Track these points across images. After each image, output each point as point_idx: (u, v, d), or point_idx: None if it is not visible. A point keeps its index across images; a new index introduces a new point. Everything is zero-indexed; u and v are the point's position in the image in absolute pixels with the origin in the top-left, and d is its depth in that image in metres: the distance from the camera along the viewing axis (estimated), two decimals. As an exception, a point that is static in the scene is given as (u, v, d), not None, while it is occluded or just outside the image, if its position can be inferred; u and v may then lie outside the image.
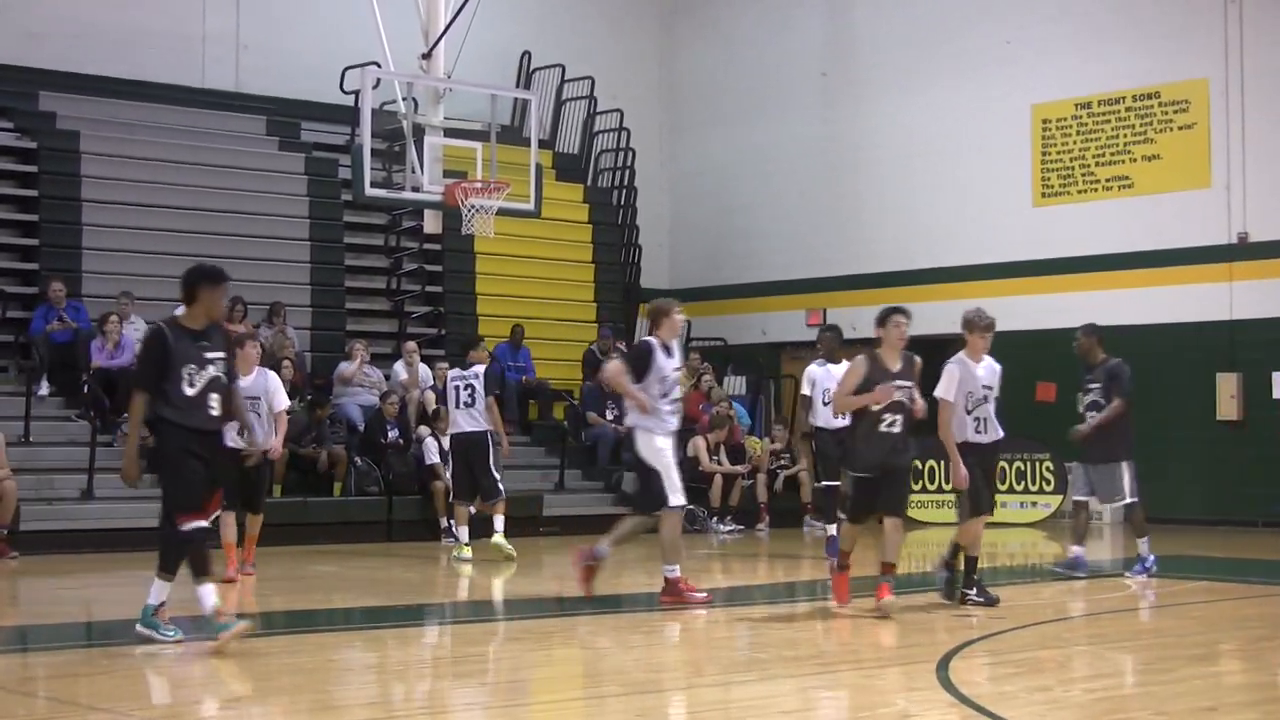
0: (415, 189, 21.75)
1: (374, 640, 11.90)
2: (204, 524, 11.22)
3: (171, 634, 11.10)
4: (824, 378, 18.21)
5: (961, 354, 14.01)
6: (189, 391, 11.02)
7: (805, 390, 18.57)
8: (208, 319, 11.24)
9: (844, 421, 17.67)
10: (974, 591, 13.64)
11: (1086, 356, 17.31)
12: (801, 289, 29.86)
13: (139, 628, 11.19)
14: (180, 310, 11.28)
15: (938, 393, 13.72)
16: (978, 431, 13.80)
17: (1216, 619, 13.73)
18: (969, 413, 13.79)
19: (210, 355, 11.13)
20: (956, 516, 14.40)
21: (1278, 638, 12.34)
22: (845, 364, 17.81)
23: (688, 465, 23.87)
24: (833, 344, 18.70)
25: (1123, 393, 16.95)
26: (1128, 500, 16.89)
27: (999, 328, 26.79)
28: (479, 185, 21.83)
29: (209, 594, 10.97)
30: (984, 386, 13.90)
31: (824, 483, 18.64)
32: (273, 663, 11.19)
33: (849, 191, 29.45)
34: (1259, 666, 11.05)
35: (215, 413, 11.16)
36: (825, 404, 17.97)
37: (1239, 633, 12.77)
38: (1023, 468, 25.62)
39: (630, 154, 30.52)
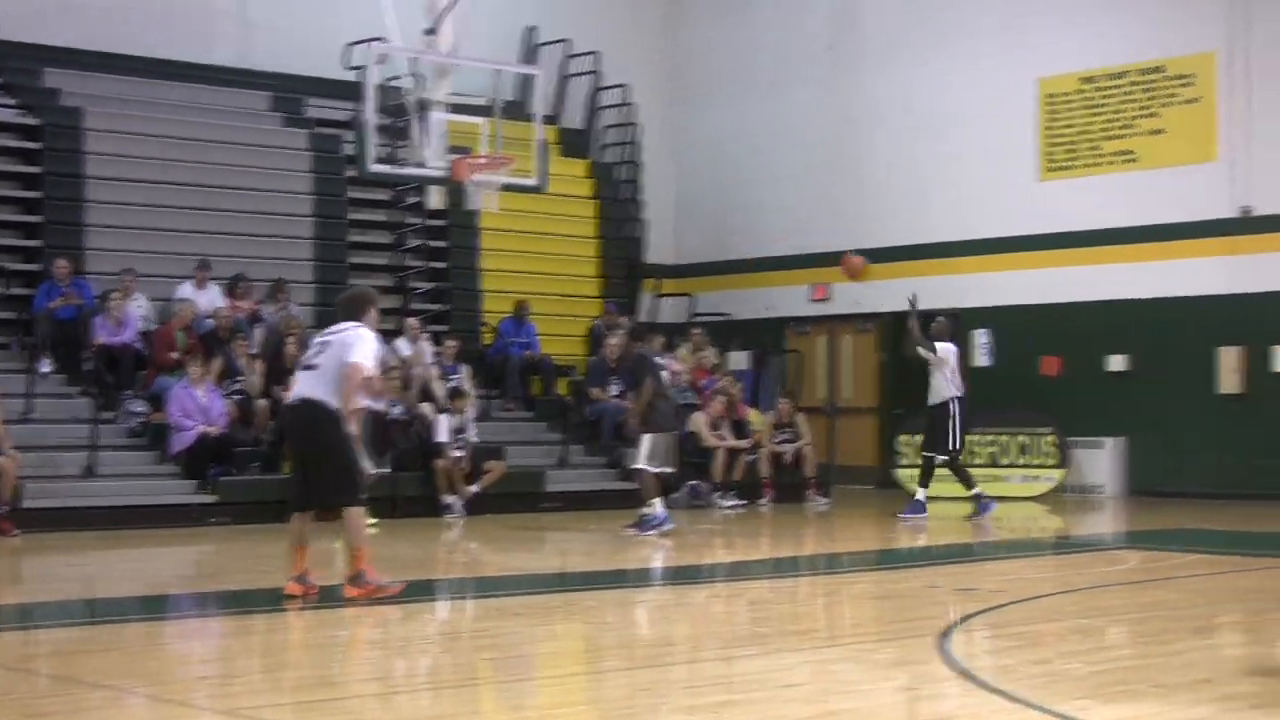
0: (420, 165, 21.76)
1: (378, 616, 11.92)
2: None
3: None
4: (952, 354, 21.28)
5: None
6: None
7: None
8: None
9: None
10: None
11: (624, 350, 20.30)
12: (806, 264, 29.81)
13: None
14: None
15: None
16: None
17: (1216, 592, 13.75)
18: None
19: None
20: None
21: (1276, 610, 12.36)
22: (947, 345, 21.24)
23: (690, 440, 23.97)
24: (944, 328, 21.58)
25: (638, 381, 19.11)
26: (637, 466, 18.94)
27: (1001, 302, 27.12)
28: (484, 161, 21.85)
29: None
30: None
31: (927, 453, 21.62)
32: (275, 639, 11.25)
33: (854, 166, 29.41)
34: (1257, 639, 11.11)
35: None
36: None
37: (1238, 605, 12.81)
38: (1026, 442, 25.66)
39: (636, 129, 30.50)
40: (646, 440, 18.78)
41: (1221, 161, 25.14)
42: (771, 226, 30.30)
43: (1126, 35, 26.22)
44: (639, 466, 18.89)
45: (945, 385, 21.08)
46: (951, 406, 21.07)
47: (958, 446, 21.40)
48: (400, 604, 12.18)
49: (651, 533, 18.39)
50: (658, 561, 16.67)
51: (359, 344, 12.29)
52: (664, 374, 19.13)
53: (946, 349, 21.22)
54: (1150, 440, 25.37)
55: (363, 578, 12.22)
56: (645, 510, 18.69)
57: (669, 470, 19.25)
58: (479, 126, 22.23)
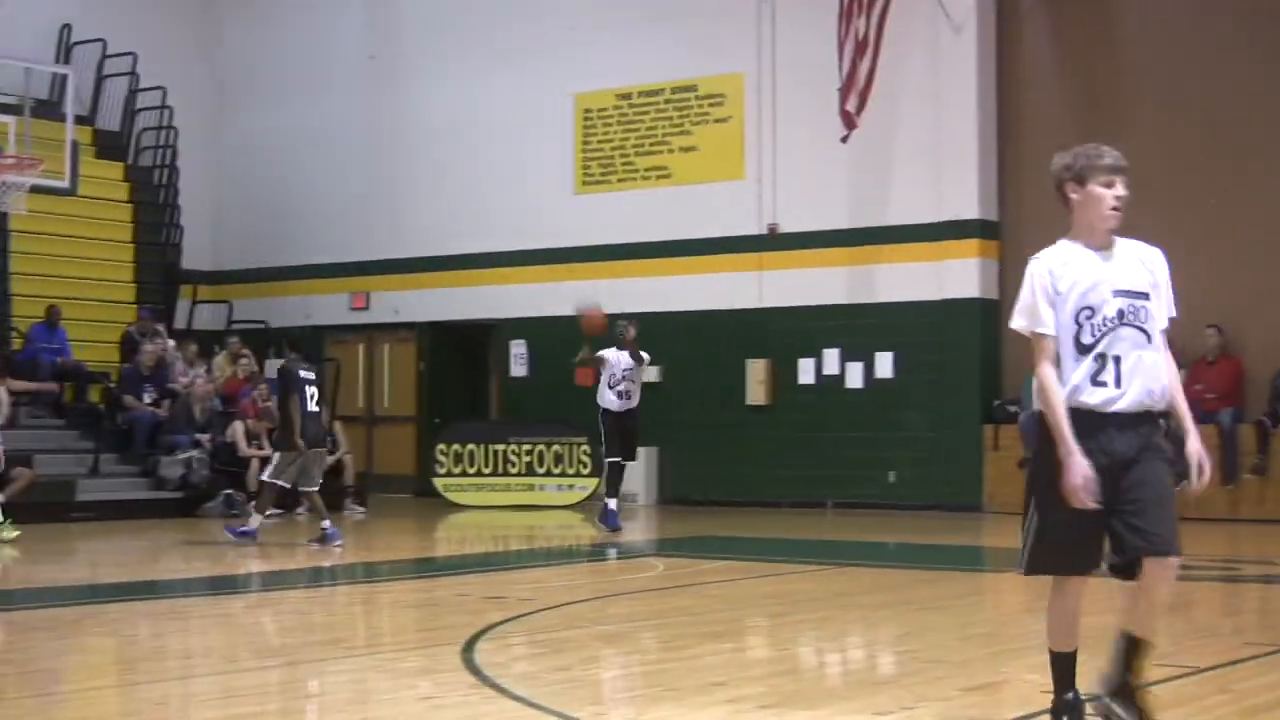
0: (-57, 164, 21.13)
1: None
2: None
3: None
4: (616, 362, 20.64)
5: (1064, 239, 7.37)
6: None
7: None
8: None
9: (630, 403, 20.67)
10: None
11: None
12: (345, 272, 29.87)
13: None
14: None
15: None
16: (1096, 383, 7.09)
17: (737, 597, 14.27)
18: (1086, 349, 7.11)
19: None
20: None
21: (792, 614, 12.87)
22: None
23: (226, 450, 23.79)
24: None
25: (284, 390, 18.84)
26: (265, 478, 18.86)
27: (538, 313, 27.55)
28: (11, 161, 21.33)
29: None
30: (1120, 292, 7.16)
31: (609, 459, 20.80)
32: None
33: (394, 175, 29.55)
34: (772, 642, 11.57)
35: None
36: (610, 387, 20.62)
37: (756, 610, 13.31)
38: (561, 451, 26.09)
39: (173, 133, 30.07)
40: (278, 455, 18.56)
41: (749, 180, 26.03)
42: (311, 235, 30.25)
43: (661, 54, 26.94)
44: (264, 478, 18.78)
45: (602, 391, 20.85)
46: (603, 413, 20.83)
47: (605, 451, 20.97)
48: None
49: (246, 541, 18.37)
50: (192, 573, 16.51)
51: None
52: (310, 389, 18.62)
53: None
54: (682, 450, 26.11)
55: None
56: (249, 522, 18.69)
57: (289, 485, 18.79)
58: (7, 125, 21.68)
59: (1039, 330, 7.13)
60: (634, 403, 20.79)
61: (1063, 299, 7.09)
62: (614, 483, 20.87)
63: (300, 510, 23.87)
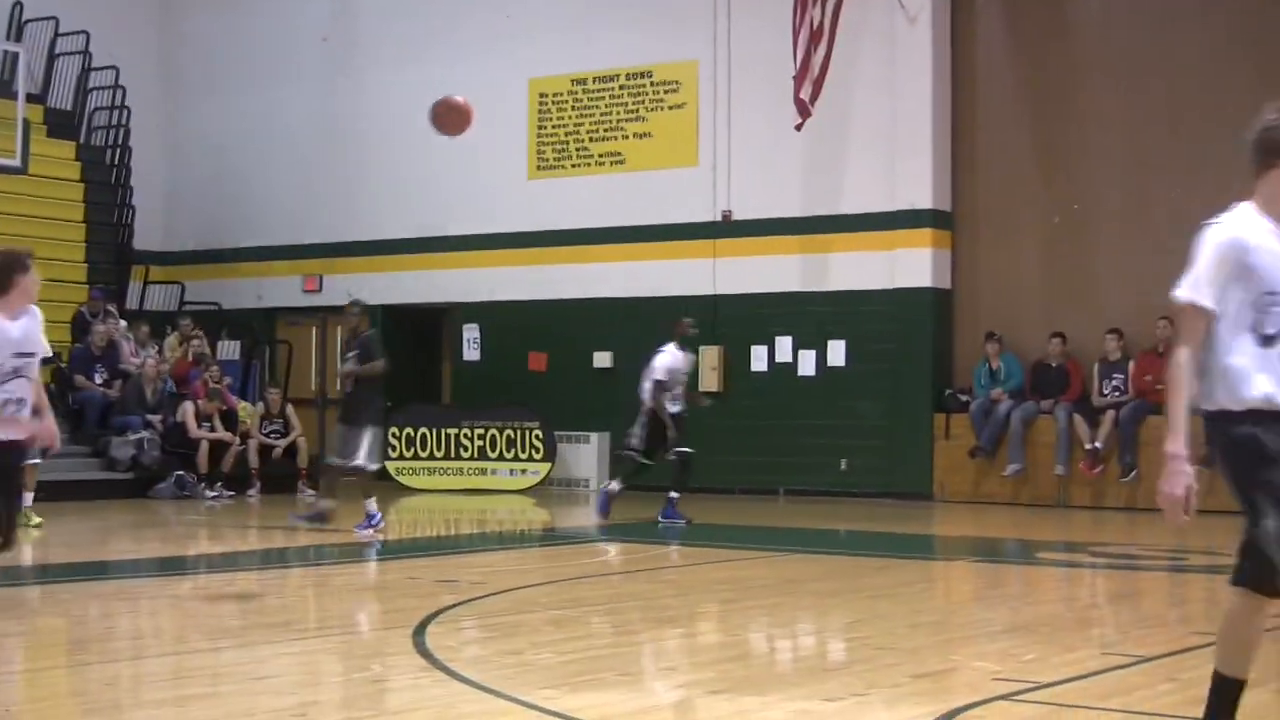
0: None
1: None
2: None
3: None
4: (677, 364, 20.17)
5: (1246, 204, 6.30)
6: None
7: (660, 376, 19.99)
8: None
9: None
10: None
11: (355, 329, 18.64)
12: (299, 254, 29.73)
13: None
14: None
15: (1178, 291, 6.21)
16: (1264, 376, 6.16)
17: (689, 583, 14.31)
18: (1268, 340, 6.11)
19: None
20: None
21: (743, 600, 12.90)
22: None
23: (177, 431, 23.74)
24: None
25: (370, 359, 18.00)
26: (358, 463, 17.73)
27: (490, 298, 27.43)
28: (-39, 140, 21.24)
29: None
30: None
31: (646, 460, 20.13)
32: None
33: (349, 159, 29.43)
34: (722, 628, 11.60)
35: None
36: (667, 389, 19.92)
37: (708, 596, 13.34)
38: (513, 435, 26.10)
39: (126, 112, 29.88)
40: (368, 434, 17.77)
41: (703, 166, 26.03)
42: (264, 217, 30.10)
43: (616, 40, 26.89)
44: (362, 464, 17.76)
45: (658, 392, 20.09)
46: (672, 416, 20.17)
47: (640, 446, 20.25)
48: None
49: (369, 531, 17.59)
50: (143, 554, 16.47)
51: None
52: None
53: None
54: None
55: None
56: (369, 507, 17.80)
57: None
58: (-41, 104, 21.60)
59: (1202, 303, 6.04)
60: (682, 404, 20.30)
61: (1244, 279, 6.01)
62: (626, 473, 20.53)
63: (251, 492, 23.90)
